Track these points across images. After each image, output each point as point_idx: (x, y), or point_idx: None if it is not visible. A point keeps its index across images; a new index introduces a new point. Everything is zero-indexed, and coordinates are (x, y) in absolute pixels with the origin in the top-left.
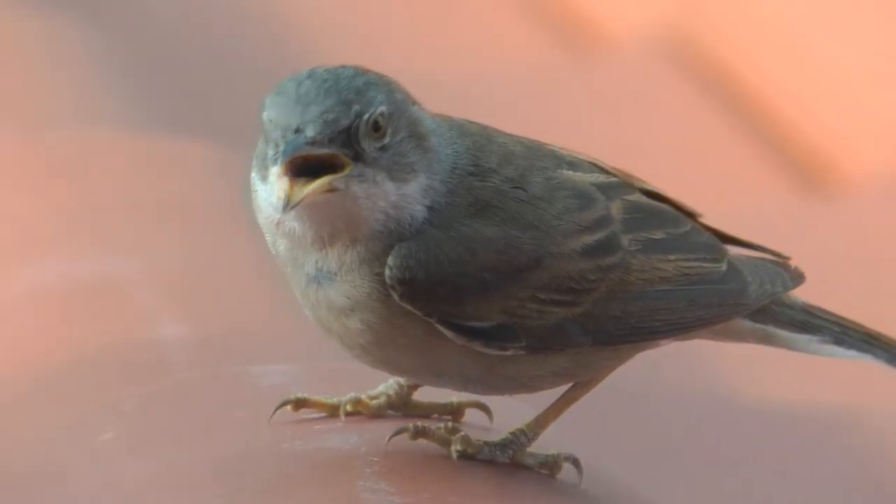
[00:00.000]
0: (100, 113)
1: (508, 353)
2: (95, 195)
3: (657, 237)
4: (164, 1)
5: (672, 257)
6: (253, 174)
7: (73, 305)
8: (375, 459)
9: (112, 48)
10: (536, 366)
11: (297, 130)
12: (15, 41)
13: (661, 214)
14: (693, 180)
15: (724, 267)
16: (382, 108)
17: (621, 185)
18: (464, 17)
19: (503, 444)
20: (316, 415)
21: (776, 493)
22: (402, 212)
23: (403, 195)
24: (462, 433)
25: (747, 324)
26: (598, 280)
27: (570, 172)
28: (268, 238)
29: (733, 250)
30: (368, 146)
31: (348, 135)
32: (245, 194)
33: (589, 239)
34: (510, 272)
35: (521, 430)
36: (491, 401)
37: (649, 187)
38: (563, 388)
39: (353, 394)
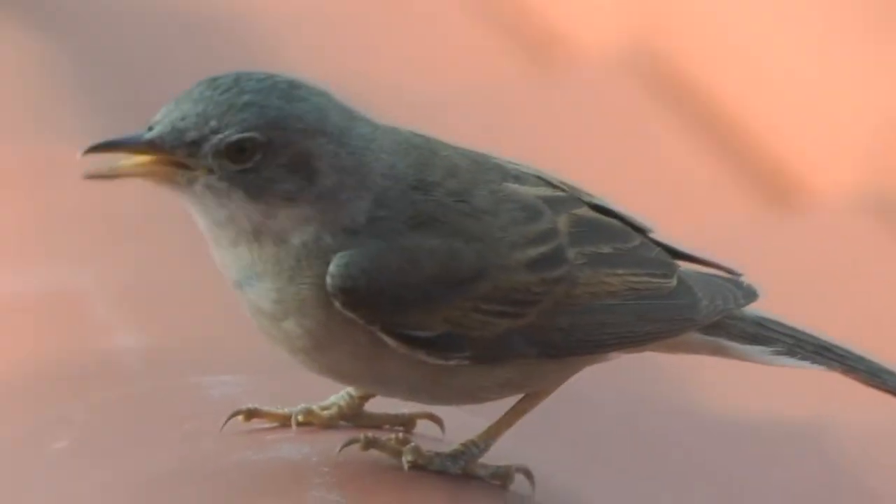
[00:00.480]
0: (54, 126)
1: (452, 362)
2: (49, 208)
3: (604, 251)
4: (121, 11)
5: (620, 271)
6: None
7: (26, 318)
8: (326, 470)
9: (67, 60)
10: (482, 376)
11: (150, 127)
12: None
13: (609, 229)
14: (658, 194)
15: (673, 282)
16: (250, 135)
17: (569, 198)
18: (433, 31)
19: (454, 455)
20: (267, 425)
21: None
22: (285, 235)
23: (273, 219)
24: (413, 444)
25: (699, 337)
26: (543, 293)
27: (517, 186)
28: None
29: (686, 266)
30: (222, 165)
31: (197, 147)
32: None
33: (534, 252)
34: (453, 283)
35: (473, 442)
36: (443, 412)
37: (598, 202)
38: (514, 399)
39: (304, 404)
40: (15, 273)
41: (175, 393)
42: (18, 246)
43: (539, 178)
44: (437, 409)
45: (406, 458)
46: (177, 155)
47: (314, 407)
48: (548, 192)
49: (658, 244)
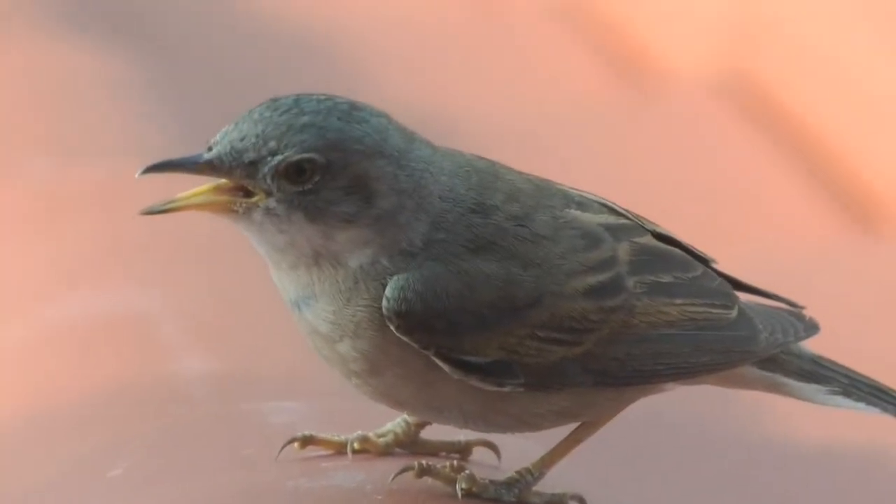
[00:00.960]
0: (130, 146)
1: (506, 389)
2: (122, 229)
3: (664, 280)
4: (200, 32)
5: (678, 301)
6: None
7: (95, 340)
8: (379, 497)
9: (150, 80)
10: (537, 404)
11: (210, 148)
12: (48, 75)
13: (671, 258)
14: (746, 218)
15: (734, 314)
16: (308, 156)
17: (631, 227)
18: (526, 53)
19: (509, 483)
20: (323, 452)
21: None
22: (343, 257)
23: (331, 241)
24: (468, 472)
25: (755, 371)
26: (600, 321)
27: (579, 212)
28: None
29: (749, 298)
30: (280, 186)
31: (255, 168)
32: None
33: (593, 280)
34: (509, 309)
35: (528, 470)
36: (500, 440)
37: (661, 231)
38: (571, 426)
39: (360, 432)
40: (85, 296)
41: (234, 419)
42: (90, 269)
43: (603, 205)
44: (494, 437)
45: (460, 486)
46: (235, 176)
47: (370, 434)
48: (610, 219)
49: (721, 275)
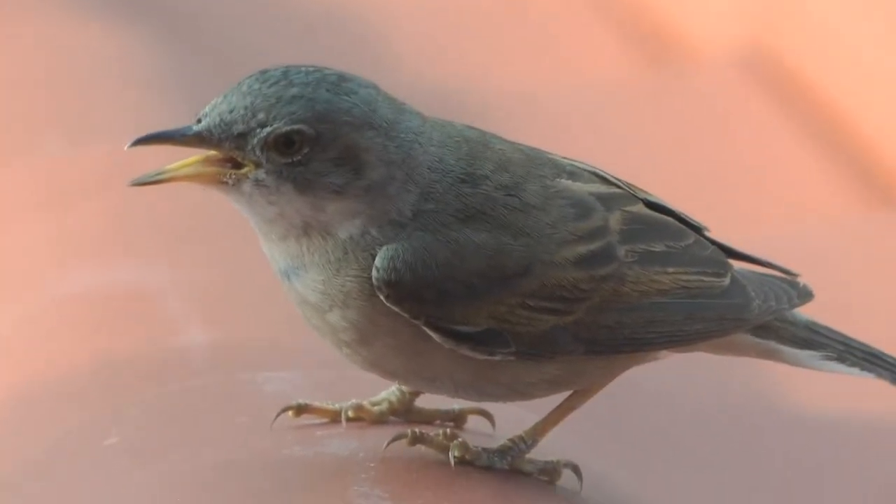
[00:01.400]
0: (140, 125)
1: (497, 358)
2: (126, 206)
3: (656, 249)
4: (214, 10)
5: (671, 270)
6: None
7: (96, 313)
8: (372, 465)
9: (156, 59)
10: (528, 373)
11: (199, 120)
12: (59, 52)
13: (663, 226)
14: (770, 195)
15: (726, 282)
16: (297, 127)
17: (623, 195)
18: (548, 30)
19: (502, 451)
20: (318, 421)
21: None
22: (333, 228)
23: (321, 212)
24: (461, 439)
25: (749, 339)
26: (590, 290)
27: (569, 182)
28: None
29: (742, 265)
30: (270, 158)
31: (244, 140)
32: None
33: (583, 249)
34: (499, 278)
35: (521, 437)
36: (494, 408)
37: (654, 199)
38: (563, 395)
39: (355, 400)
40: (87, 271)
41: (229, 388)
42: (94, 244)
43: (594, 174)
44: (488, 405)
45: (453, 454)
46: (224, 148)
47: (364, 402)
48: (601, 188)
49: (714, 243)
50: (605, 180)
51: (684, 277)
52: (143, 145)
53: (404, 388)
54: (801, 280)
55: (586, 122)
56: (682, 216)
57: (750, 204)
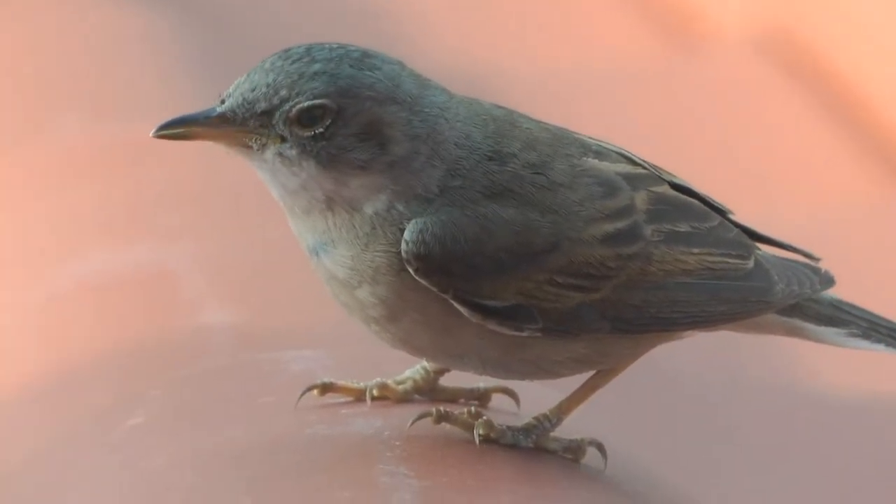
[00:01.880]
0: (162, 105)
1: (524, 334)
2: (144, 186)
3: (681, 230)
4: None
5: (696, 250)
6: None
7: (118, 294)
8: (398, 444)
9: (178, 39)
10: (555, 351)
11: (223, 101)
12: (80, 32)
13: (688, 208)
14: (790, 175)
15: (750, 264)
16: (319, 102)
17: (649, 176)
18: (565, 10)
19: (527, 429)
20: (342, 399)
21: (805, 481)
22: (358, 203)
23: (344, 187)
24: (485, 418)
25: (774, 318)
26: (617, 268)
27: (596, 161)
28: None
29: (765, 249)
30: (293, 132)
31: (269, 117)
32: None
33: (610, 227)
34: (527, 254)
35: (545, 416)
36: (519, 387)
37: (679, 181)
38: (587, 374)
39: (379, 378)
40: (109, 251)
41: (254, 368)
42: (114, 225)
43: (621, 154)
44: (513, 384)
45: (478, 432)
46: (248, 127)
47: (389, 381)
48: (628, 168)
49: (738, 226)
50: (631, 161)
51: (709, 258)
52: (168, 131)
53: (429, 366)
54: (823, 266)
55: (606, 102)
56: (707, 199)
57: (768, 182)
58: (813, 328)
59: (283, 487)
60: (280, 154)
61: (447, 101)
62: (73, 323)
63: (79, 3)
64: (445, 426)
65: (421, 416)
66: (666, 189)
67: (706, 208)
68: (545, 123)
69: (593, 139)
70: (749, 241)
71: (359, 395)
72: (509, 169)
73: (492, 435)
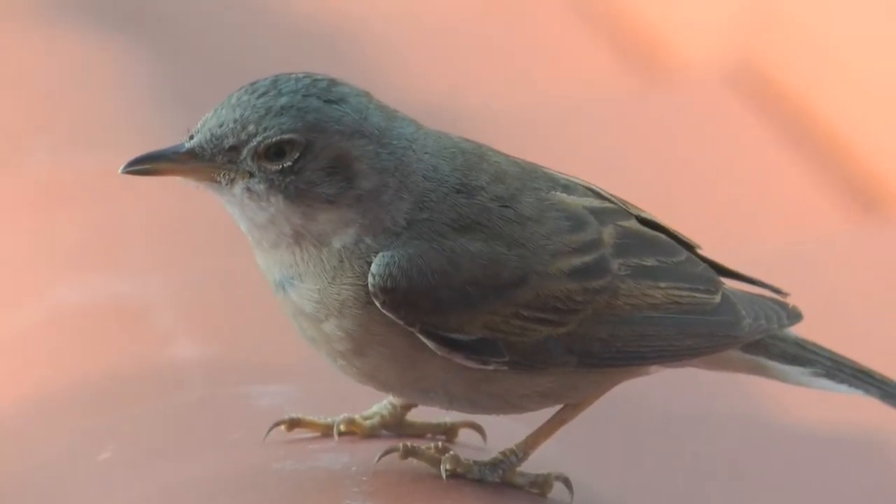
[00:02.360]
0: (130, 136)
1: (490, 367)
2: (118, 218)
3: (649, 264)
4: (203, 23)
5: (663, 285)
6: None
7: (88, 326)
8: (364, 479)
9: (146, 72)
10: (522, 384)
11: (191, 136)
12: (50, 64)
13: (655, 242)
14: (755, 206)
15: (717, 299)
16: (288, 136)
17: (616, 210)
18: (538, 41)
19: (493, 464)
20: (310, 435)
21: None
22: (326, 237)
23: (312, 221)
24: (452, 452)
25: (739, 355)
26: (584, 302)
27: (564, 195)
28: None
29: (732, 284)
30: (261, 167)
31: (237, 152)
32: None
33: (577, 261)
34: (494, 287)
35: (512, 450)
36: (485, 421)
37: (646, 215)
38: (554, 408)
39: (346, 414)
40: (80, 283)
41: (223, 402)
42: (85, 256)
43: (588, 188)
44: (480, 418)
45: (445, 467)
46: (217, 162)
47: (356, 416)
48: (595, 202)
49: (705, 260)
50: (598, 195)
51: (676, 293)
52: (137, 167)
53: (396, 401)
54: (790, 301)
55: (574, 134)
56: (675, 233)
57: (733, 213)
58: (777, 366)
59: None
60: (248, 189)
61: (415, 133)
62: (43, 356)
63: (48, 35)
64: (412, 461)
65: (388, 452)
66: (633, 223)
67: (673, 242)
68: (513, 158)
69: (561, 173)
70: (716, 276)
71: (326, 431)
72: (477, 202)
73: (459, 470)
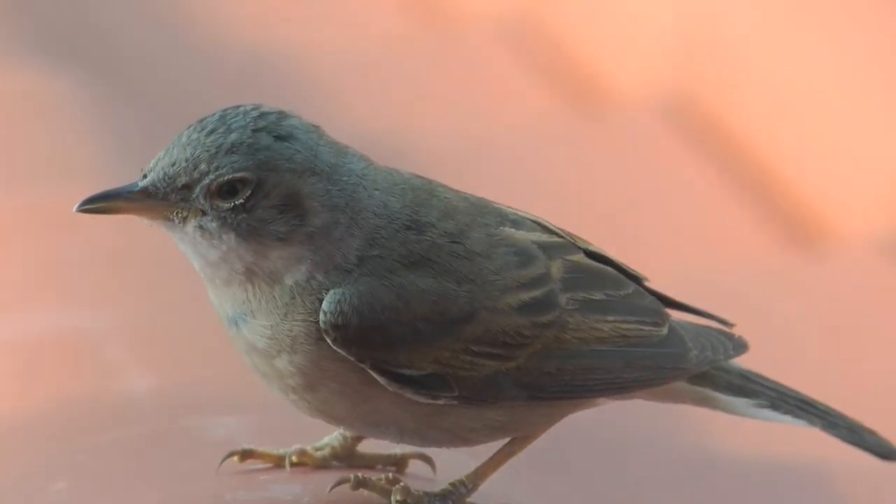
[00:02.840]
0: (74, 170)
1: (440, 402)
2: (60, 252)
3: (596, 298)
4: (149, 56)
5: (610, 318)
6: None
7: (35, 359)
8: None
9: (89, 105)
10: (470, 419)
11: (144, 175)
12: None
13: (603, 276)
14: (690, 237)
15: (664, 331)
16: (241, 175)
17: (564, 245)
18: (475, 75)
19: (443, 495)
20: (262, 466)
21: None
22: (278, 274)
23: (264, 258)
24: (402, 483)
25: (685, 386)
26: (533, 336)
27: (513, 230)
28: None
29: (679, 316)
30: (213, 205)
31: (189, 191)
32: None
33: (526, 296)
34: (444, 323)
35: (461, 481)
36: (435, 453)
37: (594, 249)
38: (503, 441)
39: (298, 445)
40: (29, 316)
41: (176, 433)
42: (29, 289)
43: (536, 223)
44: (430, 450)
45: (395, 498)
46: (170, 201)
47: (308, 448)
48: (543, 237)
49: (652, 293)
50: (546, 229)
51: (623, 326)
52: (92, 206)
53: (347, 433)
54: (737, 332)
55: (508, 164)
56: (622, 266)
57: (668, 244)
58: (722, 398)
59: None
60: (200, 227)
61: (365, 170)
62: None
63: None
64: (363, 492)
65: (339, 483)
66: (581, 257)
67: (621, 276)
68: (463, 193)
69: (510, 208)
70: (663, 308)
71: (278, 462)
72: (427, 238)
73: (409, 501)
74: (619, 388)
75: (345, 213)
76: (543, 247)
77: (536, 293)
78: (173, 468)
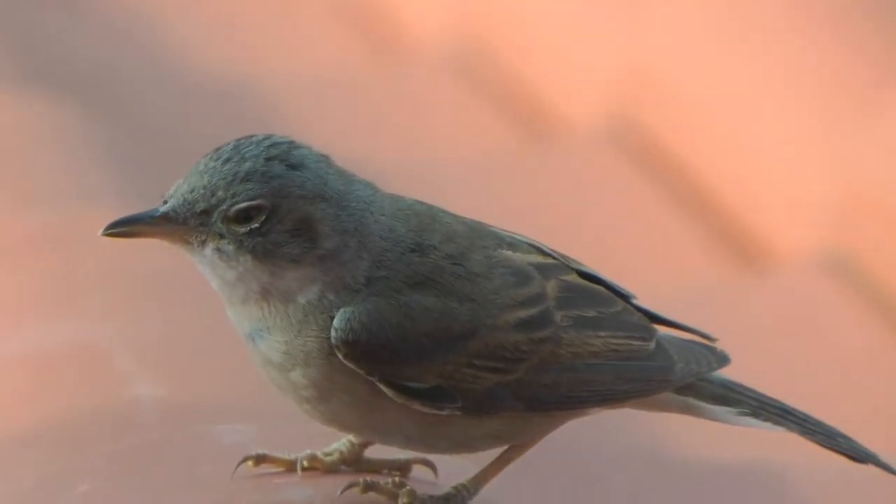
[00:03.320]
0: (79, 192)
1: (444, 412)
2: (73, 268)
3: (589, 315)
4: (147, 86)
5: (602, 334)
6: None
7: (49, 372)
8: None
9: (93, 128)
10: (473, 428)
11: (165, 201)
12: (1, 125)
13: (595, 294)
14: (638, 259)
15: (652, 345)
16: (256, 202)
17: (558, 265)
18: (427, 104)
19: (447, 498)
20: (275, 470)
21: None
22: (292, 294)
23: (279, 279)
24: (408, 487)
25: (672, 396)
26: (530, 351)
27: (510, 252)
28: None
29: (664, 331)
30: (230, 230)
31: (208, 216)
32: None
33: (523, 313)
34: (447, 339)
35: (464, 485)
36: (437, 459)
37: (586, 269)
38: (502, 448)
39: (309, 451)
40: (42, 330)
41: (190, 440)
42: (46, 304)
43: (531, 245)
44: (432, 456)
45: (402, 501)
46: (189, 225)
47: (318, 453)
48: (539, 259)
49: (640, 310)
50: (541, 251)
51: (614, 341)
52: (116, 230)
53: (354, 439)
54: (718, 345)
55: (460, 192)
56: (612, 285)
57: (623, 271)
58: (706, 407)
59: None
60: (219, 250)
61: (372, 196)
62: (9, 397)
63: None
64: (372, 494)
65: (349, 486)
66: (574, 277)
67: (611, 294)
68: (462, 217)
69: (506, 231)
70: (650, 324)
71: (290, 466)
72: (430, 260)
73: (414, 503)
74: (610, 399)
75: (353, 236)
76: (539, 267)
77: (533, 311)
78: (188, 474)
